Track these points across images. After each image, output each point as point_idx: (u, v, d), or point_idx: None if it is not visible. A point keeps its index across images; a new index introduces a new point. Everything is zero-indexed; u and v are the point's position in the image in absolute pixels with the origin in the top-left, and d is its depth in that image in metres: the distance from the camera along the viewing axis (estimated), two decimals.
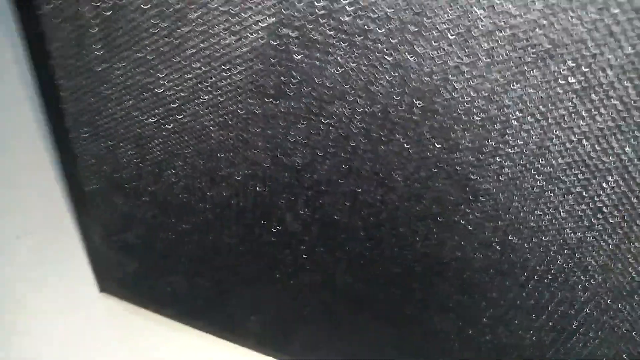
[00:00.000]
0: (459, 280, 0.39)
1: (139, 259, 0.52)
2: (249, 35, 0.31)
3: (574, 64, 0.27)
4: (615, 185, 0.30)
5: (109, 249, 0.53)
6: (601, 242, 0.32)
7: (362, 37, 0.29)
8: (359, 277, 0.42)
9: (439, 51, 0.28)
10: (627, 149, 0.28)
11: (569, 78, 0.27)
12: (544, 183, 0.31)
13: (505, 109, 0.29)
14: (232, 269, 0.48)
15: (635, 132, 0.28)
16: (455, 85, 0.29)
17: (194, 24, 0.32)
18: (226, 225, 0.44)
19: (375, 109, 0.32)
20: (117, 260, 0.54)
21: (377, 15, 0.28)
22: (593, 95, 0.27)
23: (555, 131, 0.29)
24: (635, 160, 0.28)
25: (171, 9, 0.32)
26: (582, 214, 0.32)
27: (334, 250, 0.41)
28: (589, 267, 0.34)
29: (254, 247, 0.44)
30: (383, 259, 0.40)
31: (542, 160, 0.30)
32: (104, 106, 0.39)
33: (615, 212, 0.31)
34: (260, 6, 0.30)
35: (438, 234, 0.37)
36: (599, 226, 0.32)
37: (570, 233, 0.33)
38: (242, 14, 0.31)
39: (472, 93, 0.29)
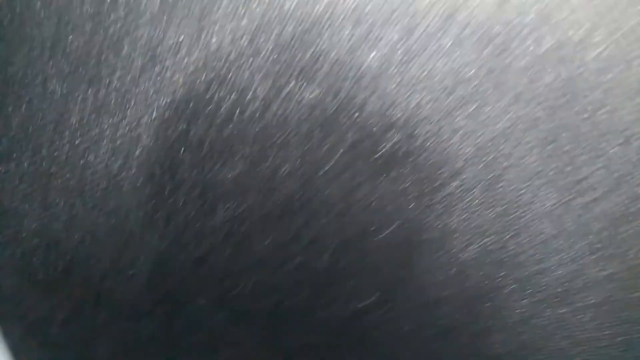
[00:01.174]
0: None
1: (64, 354, 0.47)
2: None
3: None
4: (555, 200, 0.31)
5: (31, 347, 0.48)
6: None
7: (285, 79, 0.28)
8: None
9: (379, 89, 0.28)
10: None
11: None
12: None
13: (445, 141, 0.29)
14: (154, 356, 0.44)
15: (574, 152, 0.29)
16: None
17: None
18: (140, 316, 0.40)
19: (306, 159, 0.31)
20: (43, 357, 0.48)
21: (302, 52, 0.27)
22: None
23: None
24: (580, 179, 0.29)
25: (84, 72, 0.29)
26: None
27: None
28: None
29: (170, 340, 0.41)
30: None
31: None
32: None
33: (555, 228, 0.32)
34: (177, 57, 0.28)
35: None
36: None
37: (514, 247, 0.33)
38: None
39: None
